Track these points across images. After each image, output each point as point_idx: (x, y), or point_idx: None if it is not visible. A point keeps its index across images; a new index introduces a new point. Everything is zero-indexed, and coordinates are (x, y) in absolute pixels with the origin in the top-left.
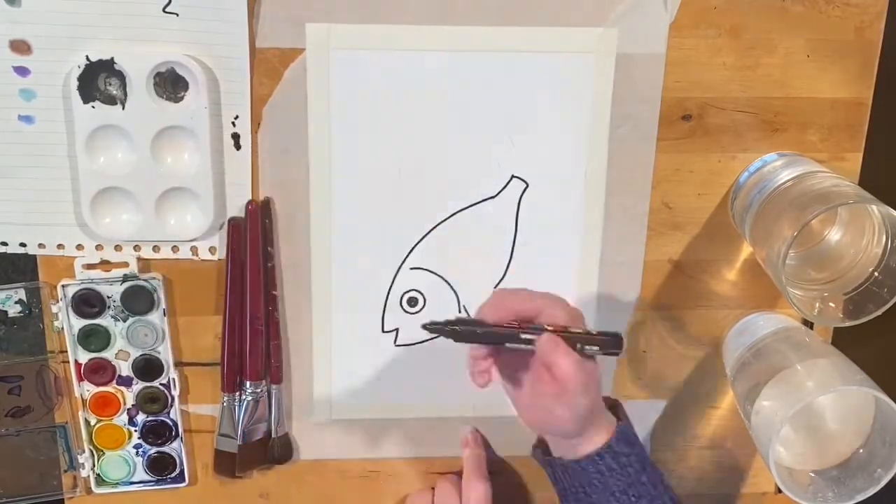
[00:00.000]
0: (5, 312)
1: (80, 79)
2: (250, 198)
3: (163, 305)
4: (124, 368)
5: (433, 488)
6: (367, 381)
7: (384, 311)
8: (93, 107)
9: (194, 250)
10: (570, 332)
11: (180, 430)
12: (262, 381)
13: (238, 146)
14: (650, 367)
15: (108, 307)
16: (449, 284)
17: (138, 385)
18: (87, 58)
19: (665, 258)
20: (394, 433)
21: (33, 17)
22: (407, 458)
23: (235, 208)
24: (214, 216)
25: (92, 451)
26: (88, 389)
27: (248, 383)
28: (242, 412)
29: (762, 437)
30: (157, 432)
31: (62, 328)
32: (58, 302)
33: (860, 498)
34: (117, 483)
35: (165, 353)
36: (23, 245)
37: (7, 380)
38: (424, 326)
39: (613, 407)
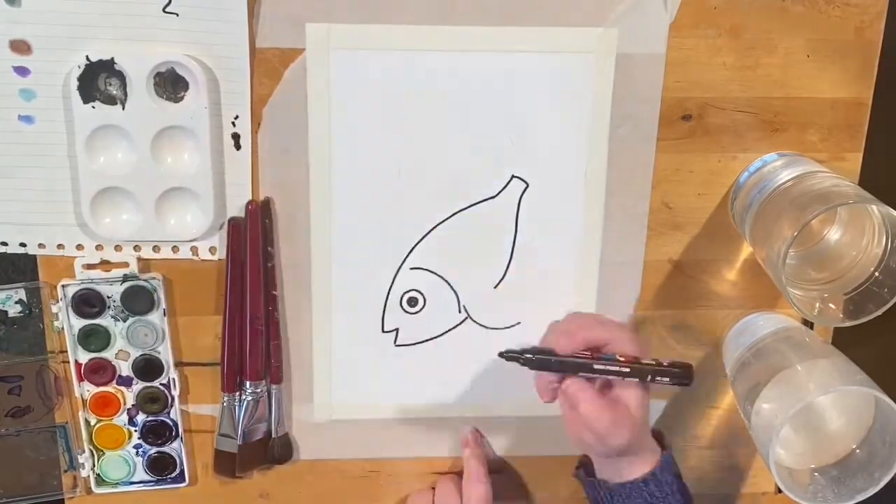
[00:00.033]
0: (5, 312)
1: (80, 79)
2: (250, 198)
3: (163, 305)
4: (124, 368)
5: (433, 488)
6: (367, 381)
7: (384, 311)
8: (93, 107)
9: (194, 250)
10: (641, 364)
11: (180, 430)
12: (262, 381)
13: (238, 146)
14: None
15: (108, 307)
16: (449, 284)
17: (138, 385)
18: (87, 58)
19: (665, 258)
20: (394, 433)
21: (33, 17)
22: (407, 458)
23: (235, 208)
24: (214, 216)
25: (92, 451)
26: (88, 389)
27: (248, 383)
28: (242, 412)
29: (762, 437)
30: (158, 432)
31: (62, 328)
32: (58, 302)
33: (860, 498)
34: (117, 483)
35: (165, 353)
36: (23, 245)
37: (7, 380)
38: (501, 354)
39: (659, 436)
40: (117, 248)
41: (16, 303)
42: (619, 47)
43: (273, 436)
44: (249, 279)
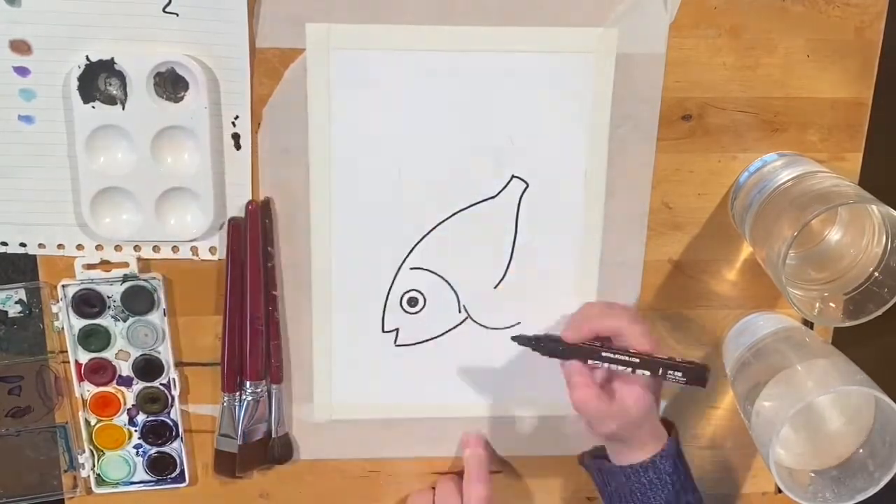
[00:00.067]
0: (5, 312)
1: (80, 79)
2: (250, 198)
3: (163, 305)
4: (124, 368)
5: (433, 488)
6: (367, 381)
7: (384, 311)
8: (93, 107)
9: (194, 250)
10: (653, 358)
11: (180, 430)
12: (262, 381)
13: (238, 146)
14: None
15: (109, 307)
16: (449, 284)
17: (138, 385)
18: (87, 58)
19: (665, 258)
20: (394, 433)
21: (33, 17)
22: (407, 458)
23: (235, 208)
24: (214, 216)
25: (92, 451)
26: (88, 389)
27: (248, 383)
28: (242, 412)
29: (762, 437)
30: (158, 432)
31: (62, 328)
32: (58, 302)
33: (860, 498)
34: (117, 483)
35: (165, 353)
36: (23, 245)
37: (7, 380)
38: (514, 338)
39: (668, 425)
40: (117, 248)
41: (16, 303)
42: (619, 47)
43: (273, 436)
44: (249, 279)
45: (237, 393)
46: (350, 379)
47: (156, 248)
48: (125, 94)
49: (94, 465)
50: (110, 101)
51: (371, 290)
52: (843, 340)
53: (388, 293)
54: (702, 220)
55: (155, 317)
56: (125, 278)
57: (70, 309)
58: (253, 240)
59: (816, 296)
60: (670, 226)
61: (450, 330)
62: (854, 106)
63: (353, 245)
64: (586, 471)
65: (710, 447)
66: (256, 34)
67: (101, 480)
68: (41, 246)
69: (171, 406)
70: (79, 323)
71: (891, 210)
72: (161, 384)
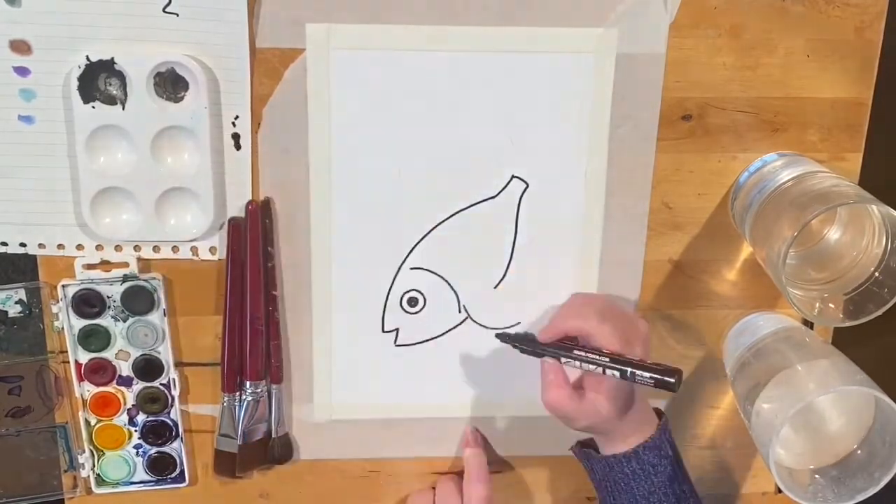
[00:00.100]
0: (5, 312)
1: (80, 79)
2: (250, 198)
3: (163, 305)
4: (124, 368)
5: (433, 488)
6: (367, 381)
7: (384, 311)
8: (93, 107)
9: (194, 250)
10: (623, 359)
11: (180, 430)
12: (262, 381)
13: (238, 146)
14: None
15: (109, 307)
16: (449, 284)
17: (138, 385)
18: (87, 58)
19: (665, 258)
20: (394, 433)
21: (33, 17)
22: (407, 458)
23: (235, 208)
24: (214, 216)
25: (92, 451)
26: (88, 389)
27: (248, 383)
28: (242, 412)
29: (762, 437)
30: (158, 432)
31: (62, 328)
32: (58, 302)
33: (860, 498)
34: (117, 483)
35: (165, 353)
36: (23, 245)
37: (7, 380)
38: (497, 336)
39: (659, 413)
40: (117, 248)
41: (16, 303)
42: (619, 47)
43: (273, 436)
44: (249, 279)
45: (237, 393)
46: (350, 379)
47: (156, 248)
48: (125, 94)
49: (94, 465)
50: (110, 101)
51: (371, 290)
52: (843, 340)
53: (388, 293)
54: (702, 220)
55: (155, 317)
56: (125, 278)
57: (70, 309)
58: (253, 240)
59: (816, 296)
60: (670, 226)
61: (450, 330)
62: (854, 106)
63: (353, 245)
64: (577, 458)
65: (710, 447)
66: (256, 34)
67: (101, 480)
68: (41, 246)
69: (171, 406)
70: (79, 323)
71: (891, 210)
72: (161, 384)
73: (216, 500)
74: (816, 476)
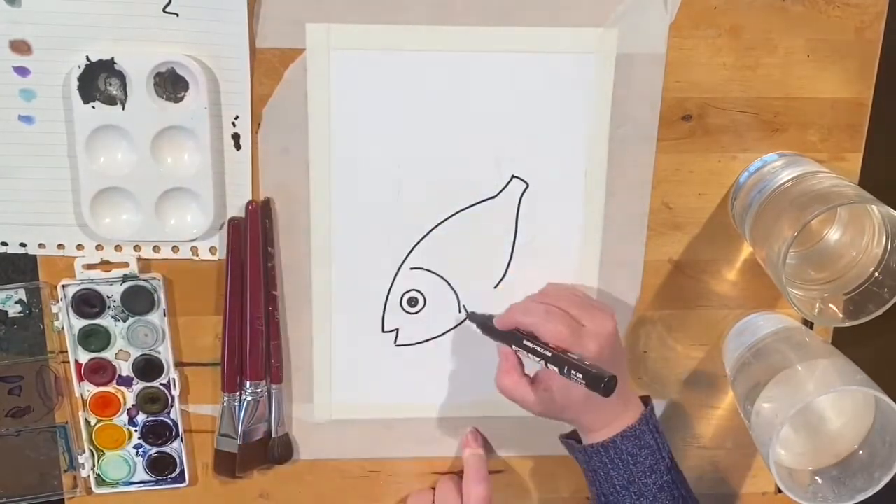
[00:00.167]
0: (5, 312)
1: (80, 79)
2: (250, 198)
3: (163, 305)
4: (124, 368)
5: (433, 488)
6: (367, 381)
7: (384, 311)
8: (93, 107)
9: (194, 250)
10: (562, 355)
11: (180, 430)
12: (262, 381)
13: (238, 146)
14: (650, 367)
15: (109, 307)
16: (449, 284)
17: (138, 385)
18: (87, 58)
19: (665, 258)
20: (394, 433)
21: (33, 17)
22: (407, 458)
23: (235, 208)
24: (214, 216)
25: (92, 451)
26: (88, 389)
27: (248, 383)
28: (242, 412)
29: (762, 437)
30: (158, 432)
31: (62, 328)
32: (58, 302)
33: (860, 498)
34: (117, 483)
35: (165, 353)
36: (23, 245)
37: (7, 380)
38: (468, 314)
39: (646, 399)
40: (117, 248)
41: (16, 303)
42: (619, 47)
43: (273, 436)
44: (249, 279)
45: (237, 393)
46: (350, 379)
47: (156, 248)
48: (125, 94)
49: (94, 465)
50: (110, 101)
51: (371, 290)
52: (843, 340)
53: (388, 293)
54: (702, 220)
55: (155, 317)
56: (125, 278)
57: (70, 309)
58: (253, 240)
59: (816, 296)
60: (670, 226)
61: (450, 330)
62: (854, 106)
63: (353, 245)
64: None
65: (710, 447)
66: (256, 34)
67: (101, 480)
68: (41, 246)
69: (171, 406)
70: (79, 323)
71: (891, 210)
72: (161, 384)
73: (216, 500)
74: (816, 476)
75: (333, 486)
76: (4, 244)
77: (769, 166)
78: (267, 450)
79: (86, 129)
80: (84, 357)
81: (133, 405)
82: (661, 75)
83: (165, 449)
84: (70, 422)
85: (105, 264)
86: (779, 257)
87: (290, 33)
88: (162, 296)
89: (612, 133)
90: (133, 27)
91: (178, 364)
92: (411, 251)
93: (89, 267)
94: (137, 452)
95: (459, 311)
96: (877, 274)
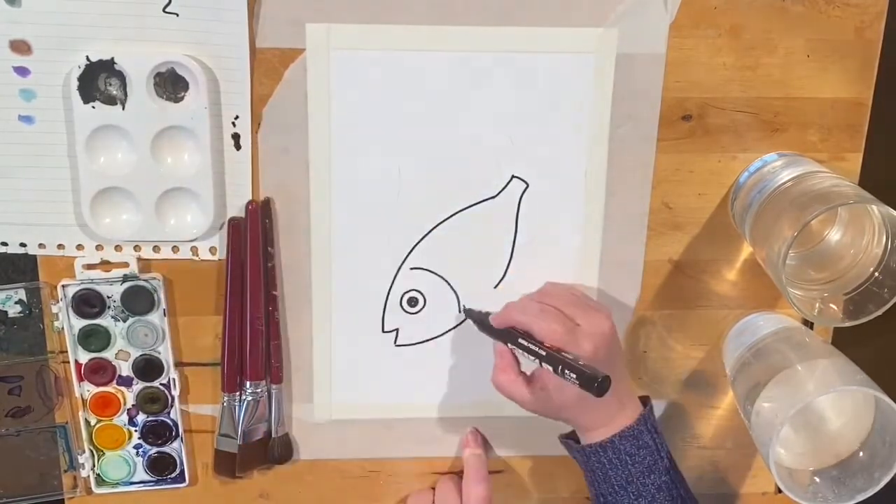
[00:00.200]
0: (5, 312)
1: (80, 79)
2: (250, 198)
3: (163, 305)
4: (124, 368)
5: (433, 488)
6: (367, 381)
7: (384, 311)
8: (93, 107)
9: (194, 250)
10: (557, 355)
11: (180, 430)
12: (262, 381)
13: (238, 146)
14: (650, 367)
15: (109, 307)
16: (449, 284)
17: (138, 385)
18: (87, 58)
19: (665, 258)
20: (394, 433)
21: (33, 17)
22: (407, 458)
23: (235, 208)
24: (214, 216)
25: (92, 451)
26: (88, 389)
27: (248, 383)
28: (242, 412)
29: (762, 437)
30: (158, 432)
31: (62, 328)
32: (58, 302)
33: (860, 498)
34: (117, 483)
35: (165, 353)
36: (23, 245)
37: (7, 380)
38: (465, 310)
39: (645, 400)
40: (117, 248)
41: (16, 303)
42: (619, 47)
43: (273, 436)
44: (249, 279)
45: (237, 393)
46: (350, 379)
47: (156, 249)
48: (125, 94)
49: (94, 465)
50: (110, 101)
51: (371, 290)
52: (843, 340)
53: (388, 293)
54: (702, 220)
55: (155, 317)
56: (125, 278)
57: (70, 309)
58: (253, 240)
59: (816, 296)
60: (670, 226)
61: (450, 330)
62: (854, 106)
63: (353, 245)
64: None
65: (710, 447)
66: (256, 34)
67: (101, 480)
68: (41, 246)
69: (171, 406)
70: (79, 323)
71: (891, 210)
72: (161, 384)
73: (216, 500)
74: (816, 476)
75: (333, 486)
76: (4, 244)
77: (769, 166)
78: (267, 450)
79: (86, 129)
80: (84, 357)
81: (133, 405)
82: (661, 75)
83: (165, 449)
84: (70, 422)
85: (105, 264)
86: (779, 257)
87: (290, 33)
88: (162, 296)
89: (612, 133)
90: (133, 27)
91: (178, 364)
92: (411, 251)
93: (89, 267)
94: (137, 452)
95: (459, 312)
96: (877, 274)
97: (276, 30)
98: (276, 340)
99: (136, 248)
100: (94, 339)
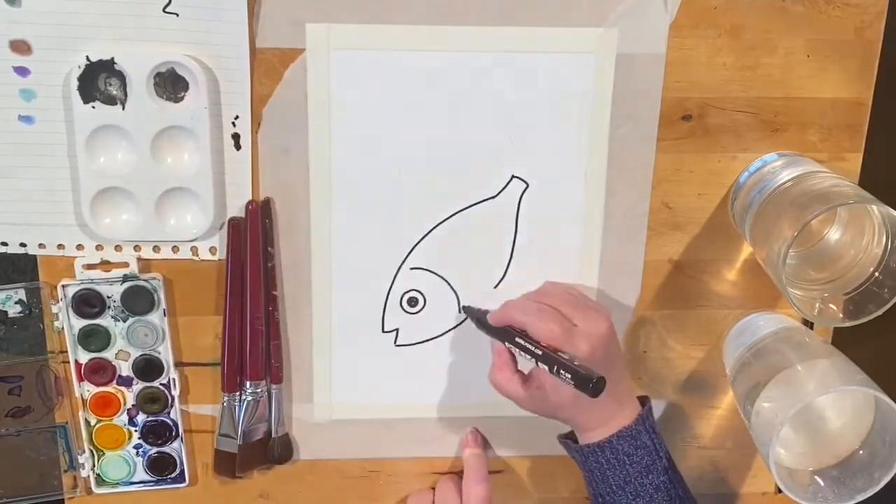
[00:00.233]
0: (5, 312)
1: (80, 79)
2: (250, 198)
3: (163, 305)
4: (124, 368)
5: (433, 488)
6: (367, 381)
7: (384, 311)
8: (93, 107)
9: (194, 250)
10: (553, 354)
11: (180, 430)
12: (262, 381)
13: (238, 146)
14: (650, 367)
15: (109, 307)
16: (449, 284)
17: (138, 385)
18: (87, 58)
19: (665, 258)
20: (394, 433)
21: (33, 17)
22: (407, 458)
23: (235, 208)
24: (214, 216)
25: (92, 452)
26: (88, 389)
27: (248, 383)
28: (242, 412)
29: (762, 437)
30: (158, 432)
31: (62, 328)
32: (58, 302)
33: (860, 498)
34: (117, 483)
35: (165, 353)
36: (23, 245)
37: (7, 380)
38: (463, 307)
39: (644, 400)
40: (117, 248)
41: (16, 303)
42: (619, 47)
43: (273, 436)
44: (249, 279)
45: (237, 393)
46: (350, 379)
47: (156, 248)
48: (125, 94)
49: (94, 465)
50: (110, 101)
51: (371, 290)
52: (843, 340)
53: (388, 293)
54: (702, 220)
55: (155, 317)
56: (125, 278)
57: (70, 309)
58: (253, 240)
59: (816, 296)
60: (670, 226)
61: (450, 330)
62: (854, 106)
63: (353, 245)
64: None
65: (710, 447)
66: (256, 34)
67: (101, 480)
68: (41, 246)
69: (171, 406)
70: (79, 323)
71: (891, 210)
72: (161, 384)
73: (216, 500)
74: (816, 476)
75: (333, 486)
76: (4, 244)
77: (769, 166)
78: (267, 450)
79: (86, 129)
80: (84, 357)
81: (133, 405)
82: (661, 75)
83: (165, 449)
84: (70, 422)
85: (105, 264)
86: (779, 257)
87: (290, 33)
88: (162, 296)
89: (612, 133)
90: (133, 27)
91: (178, 364)
92: (411, 251)
93: (89, 267)
94: (137, 452)
95: (459, 312)
96: (877, 274)
97: (276, 30)
98: (276, 340)
99: (136, 248)
100: (94, 339)
